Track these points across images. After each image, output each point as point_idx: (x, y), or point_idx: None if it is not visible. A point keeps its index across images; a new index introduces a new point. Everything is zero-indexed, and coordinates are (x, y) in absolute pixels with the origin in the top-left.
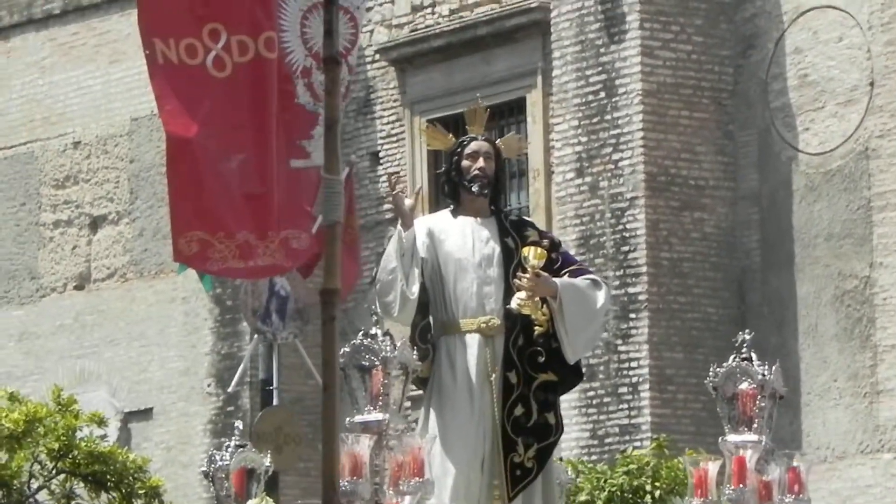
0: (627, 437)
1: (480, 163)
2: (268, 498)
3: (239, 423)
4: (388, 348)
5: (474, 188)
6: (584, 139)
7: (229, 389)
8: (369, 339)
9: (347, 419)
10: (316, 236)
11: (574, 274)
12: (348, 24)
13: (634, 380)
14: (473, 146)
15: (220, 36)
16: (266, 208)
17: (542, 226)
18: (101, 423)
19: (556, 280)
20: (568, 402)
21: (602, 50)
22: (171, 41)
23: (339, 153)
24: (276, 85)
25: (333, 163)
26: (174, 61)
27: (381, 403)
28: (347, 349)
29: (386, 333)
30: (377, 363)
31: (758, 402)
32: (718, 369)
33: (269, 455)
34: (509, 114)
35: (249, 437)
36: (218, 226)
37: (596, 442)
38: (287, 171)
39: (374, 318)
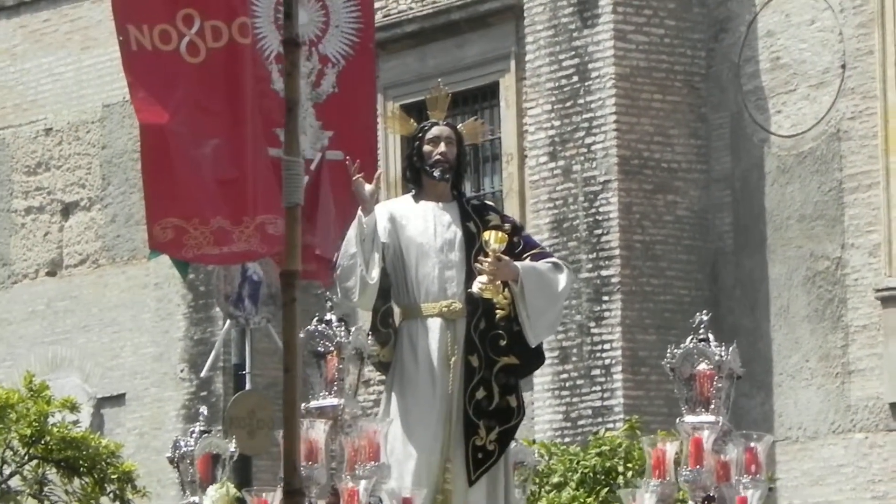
0: (600, 419)
1: (442, 147)
2: (229, 483)
3: (204, 409)
4: (342, 334)
5: (435, 173)
6: (557, 123)
7: (202, 374)
8: (324, 325)
9: (303, 405)
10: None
11: (536, 257)
12: (350, 15)
13: (607, 362)
14: (435, 131)
15: (193, 21)
16: (241, 194)
17: (515, 210)
18: (74, 408)
19: (518, 264)
20: (541, 384)
21: (575, 34)
22: (145, 27)
23: (299, 134)
24: (250, 70)
25: (293, 144)
26: (148, 48)
27: (336, 388)
28: (302, 335)
29: (341, 319)
30: (332, 349)
31: (715, 382)
32: (676, 350)
33: (235, 440)
34: (482, 98)
35: (222, 422)
36: (192, 212)
37: (569, 424)
38: (264, 158)
39: (329, 304)
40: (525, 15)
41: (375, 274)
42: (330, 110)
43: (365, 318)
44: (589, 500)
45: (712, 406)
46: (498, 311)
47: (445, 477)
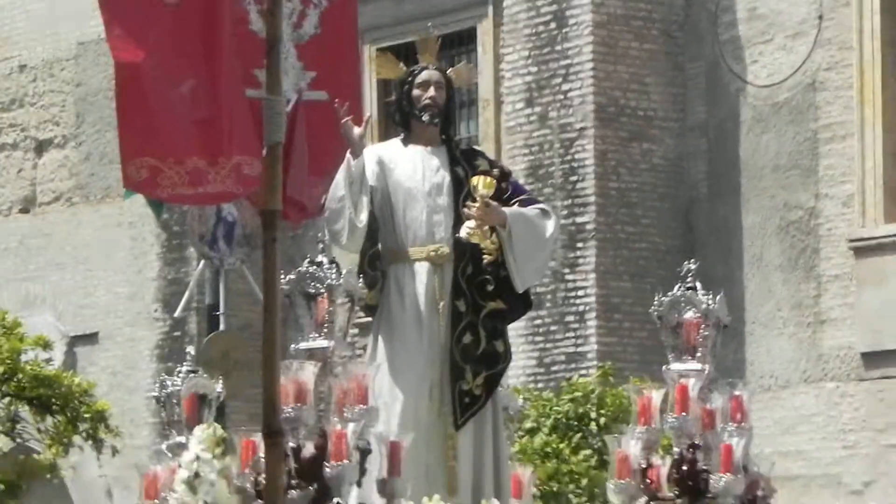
0: (573, 365)
1: (431, 92)
2: (216, 424)
3: (191, 349)
4: (333, 276)
5: (425, 117)
6: (533, 69)
7: (175, 314)
8: (315, 267)
9: (292, 346)
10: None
11: (523, 203)
12: None
13: (581, 308)
14: (424, 75)
15: None
16: (217, 134)
17: (491, 155)
18: (47, 346)
19: (506, 209)
20: (515, 329)
21: None
22: None
23: (282, 74)
24: (227, 11)
25: (275, 83)
26: None
27: (325, 331)
28: (293, 276)
29: (332, 261)
30: (322, 291)
31: (701, 330)
32: (663, 298)
33: (220, 381)
34: (459, 43)
35: (196, 363)
36: (167, 152)
37: (542, 370)
38: (240, 99)
39: (320, 245)
40: None
41: (364, 217)
42: (312, 51)
43: (348, 263)
44: (561, 445)
45: (699, 354)
46: (485, 256)
47: (445, 421)
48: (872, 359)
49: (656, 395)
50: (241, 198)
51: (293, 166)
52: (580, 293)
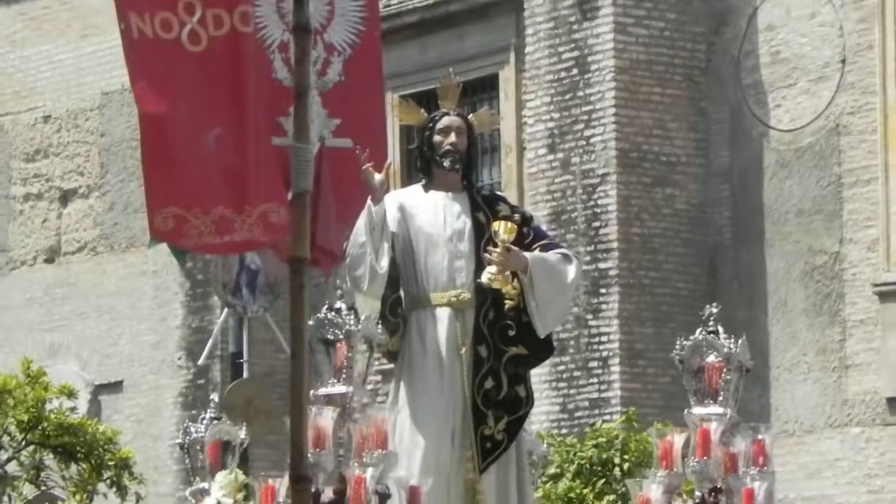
0: (597, 411)
1: (452, 138)
2: (238, 470)
3: (215, 396)
4: (351, 322)
5: (446, 163)
6: (556, 115)
7: (199, 362)
8: (333, 313)
9: (312, 392)
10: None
11: (545, 248)
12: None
13: (604, 354)
14: (445, 121)
15: (195, 9)
16: (243, 183)
17: (514, 202)
18: (71, 395)
19: (527, 254)
20: (538, 375)
21: (575, 27)
22: (147, 15)
23: (309, 122)
24: (252, 59)
25: (303, 131)
26: (149, 35)
27: (344, 376)
28: (312, 322)
29: (350, 308)
30: (341, 337)
31: (724, 374)
32: (685, 342)
33: (244, 428)
34: (482, 90)
35: (219, 410)
36: (193, 201)
37: (566, 415)
38: (266, 147)
39: (339, 292)
40: (525, 7)
41: (385, 263)
42: (336, 98)
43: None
44: (585, 491)
45: (720, 398)
46: (507, 301)
47: (467, 466)
48: None
49: (678, 439)
50: (268, 246)
51: (320, 215)
52: (603, 339)
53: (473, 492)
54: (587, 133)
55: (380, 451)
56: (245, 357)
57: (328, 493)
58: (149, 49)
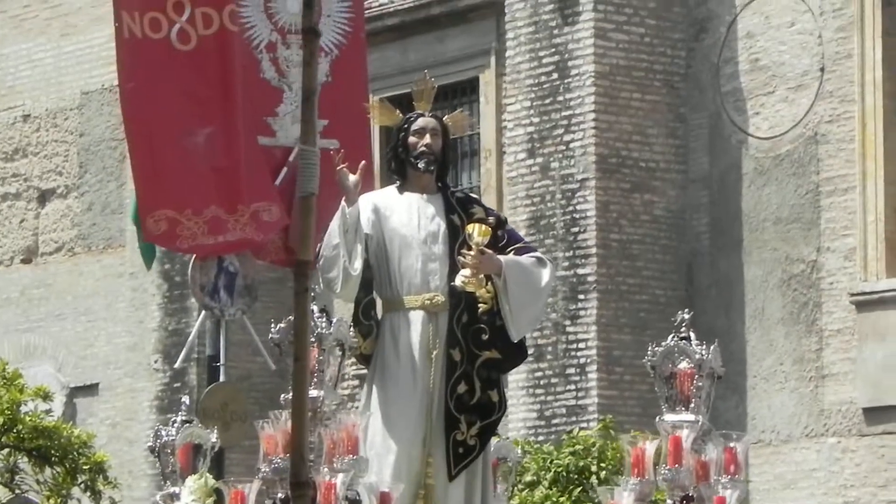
0: (574, 418)
1: (427, 139)
2: (208, 474)
3: (186, 399)
4: (323, 325)
5: (420, 164)
6: (536, 120)
7: (176, 365)
8: None
9: (282, 395)
10: (285, 208)
11: (519, 252)
12: (341, 4)
13: (582, 361)
14: (420, 123)
15: (184, 8)
16: (234, 182)
17: (493, 206)
18: (47, 397)
19: (501, 257)
20: (515, 382)
21: (555, 31)
22: (137, 14)
23: (315, 124)
24: (239, 58)
25: (310, 134)
26: (138, 35)
27: (315, 380)
28: (283, 325)
29: (322, 310)
30: (312, 340)
31: (695, 381)
32: (657, 348)
33: (215, 431)
34: (462, 93)
35: (196, 414)
36: (185, 203)
37: (543, 422)
38: (254, 146)
39: (311, 294)
40: (506, 11)
41: (358, 265)
42: (324, 99)
43: (343, 310)
44: (562, 499)
45: (692, 405)
46: (480, 304)
47: (427, 472)
48: (874, 414)
49: (650, 447)
50: (262, 244)
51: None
52: (581, 345)
53: (426, 498)
54: (567, 138)
55: (350, 456)
56: (222, 360)
57: None
58: (138, 49)
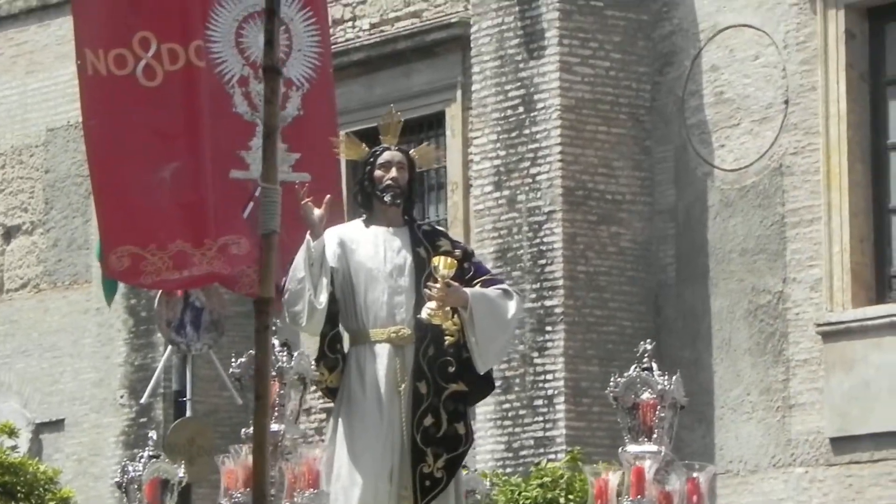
0: (542, 450)
1: (393, 172)
2: None
3: (153, 434)
4: (284, 359)
5: (386, 198)
6: (502, 153)
7: (142, 401)
8: None
9: (243, 430)
10: (255, 240)
11: (486, 284)
12: (311, 39)
13: (550, 392)
14: (386, 156)
15: (150, 44)
16: (202, 216)
17: (460, 238)
18: (12, 433)
19: (468, 290)
20: (483, 413)
21: (521, 65)
22: (101, 52)
23: (277, 161)
24: (206, 93)
25: (271, 172)
26: (103, 73)
27: (276, 414)
28: (244, 360)
29: (283, 344)
30: (274, 374)
31: (658, 412)
32: (619, 379)
33: (182, 466)
34: (429, 127)
35: (162, 449)
36: (149, 238)
37: (511, 454)
38: (224, 179)
39: (273, 328)
40: (472, 45)
41: (323, 299)
42: (297, 132)
43: (308, 343)
44: None
45: (655, 436)
46: (447, 337)
47: None
48: (841, 444)
49: (613, 478)
50: (229, 278)
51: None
52: (549, 377)
53: None
54: (533, 171)
55: (311, 490)
56: (188, 395)
57: None
58: (102, 86)
